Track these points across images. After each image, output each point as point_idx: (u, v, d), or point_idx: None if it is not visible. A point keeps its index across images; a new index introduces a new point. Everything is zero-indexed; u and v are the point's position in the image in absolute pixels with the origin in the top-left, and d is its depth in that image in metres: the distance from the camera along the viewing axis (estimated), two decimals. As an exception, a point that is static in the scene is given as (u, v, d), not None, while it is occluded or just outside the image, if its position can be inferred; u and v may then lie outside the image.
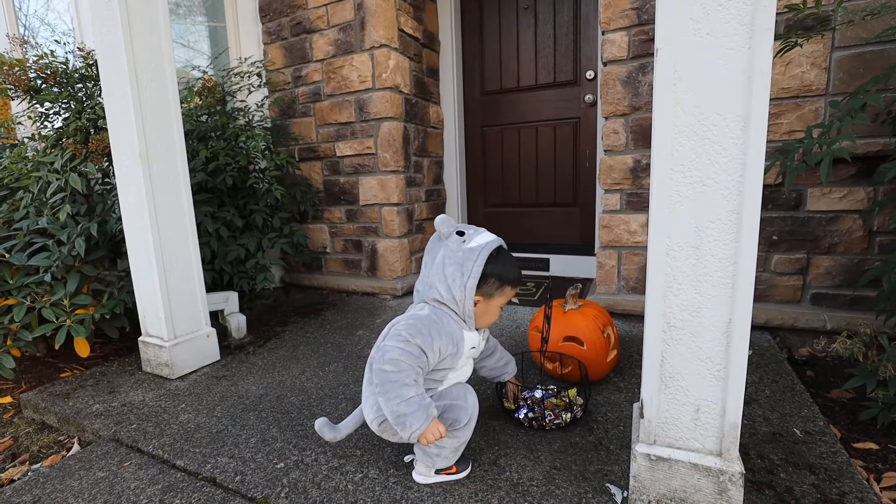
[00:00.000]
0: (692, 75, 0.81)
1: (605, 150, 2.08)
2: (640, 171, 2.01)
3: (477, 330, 1.13)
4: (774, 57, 1.59)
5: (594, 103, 2.67)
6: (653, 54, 0.84)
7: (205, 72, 2.63)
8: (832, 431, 1.24)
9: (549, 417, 1.27)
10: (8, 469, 1.38)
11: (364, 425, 1.15)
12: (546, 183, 2.95)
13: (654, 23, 1.83)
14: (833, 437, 1.20)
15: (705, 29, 0.79)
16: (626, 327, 2.01)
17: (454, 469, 1.11)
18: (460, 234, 1.07)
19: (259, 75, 2.67)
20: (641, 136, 1.99)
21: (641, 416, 0.96)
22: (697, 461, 0.90)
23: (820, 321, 1.76)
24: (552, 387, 1.39)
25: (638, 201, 2.03)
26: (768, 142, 1.77)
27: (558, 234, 2.95)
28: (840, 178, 1.73)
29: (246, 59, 2.73)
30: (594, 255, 2.58)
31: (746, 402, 1.37)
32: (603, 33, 2.00)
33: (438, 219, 1.08)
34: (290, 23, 2.72)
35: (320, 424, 1.13)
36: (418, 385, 1.00)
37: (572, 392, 1.36)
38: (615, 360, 1.56)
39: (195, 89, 2.43)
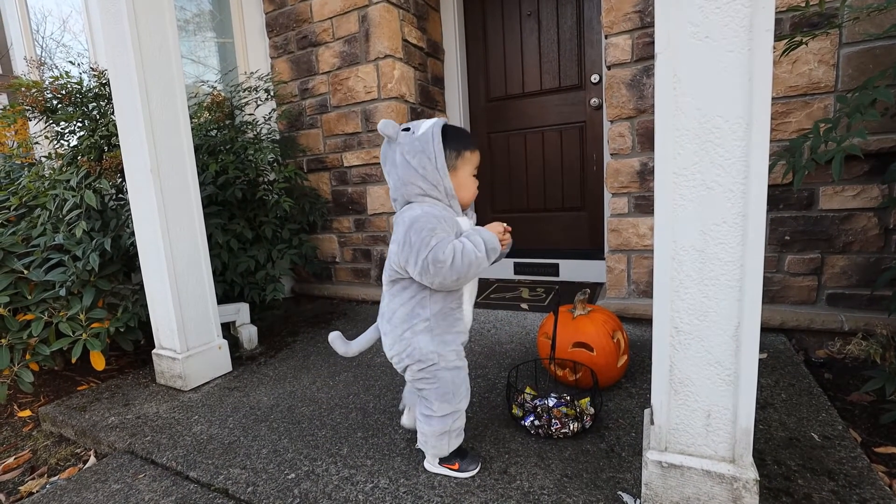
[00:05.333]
0: (692, 79, 0.80)
1: (612, 154, 2.07)
2: (648, 174, 1.99)
3: (465, 214, 1.16)
4: (781, 55, 1.57)
5: (600, 107, 2.67)
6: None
7: (214, 87, 2.68)
8: (852, 436, 1.21)
9: (555, 426, 1.25)
10: (27, 482, 1.40)
11: (375, 349, 1.21)
12: (554, 188, 2.94)
13: (656, 25, 1.83)
14: (853, 441, 1.17)
15: (704, 32, 0.78)
16: (638, 332, 1.99)
17: (456, 466, 1.13)
18: (406, 129, 1.09)
19: (267, 90, 2.71)
20: (648, 139, 1.97)
21: (652, 422, 0.94)
22: (710, 468, 0.89)
23: (837, 322, 1.72)
24: (566, 395, 1.37)
25: (646, 204, 2.01)
26: (778, 141, 1.75)
27: (567, 239, 2.94)
28: (853, 176, 1.69)
29: (253, 73, 2.78)
30: (603, 259, 2.56)
31: (762, 407, 1.34)
32: (606, 37, 2.00)
33: (381, 124, 1.07)
34: (296, 37, 2.77)
35: (333, 337, 1.23)
36: (454, 239, 1.04)
37: (584, 401, 1.34)
38: (626, 366, 1.54)
39: (204, 104, 2.47)
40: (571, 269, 2.83)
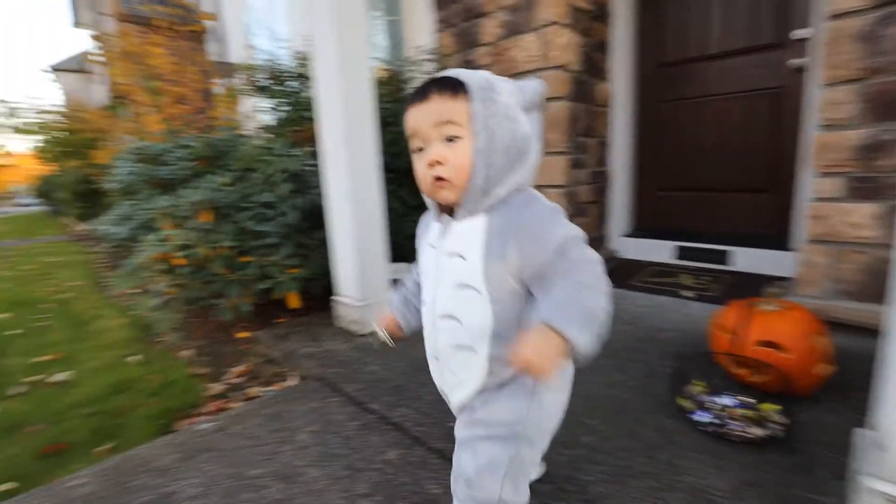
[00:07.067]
0: None
1: (824, 125, 1.73)
2: (875, 151, 1.63)
3: (446, 214, 0.81)
4: None
5: (802, 68, 2.23)
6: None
7: (385, 62, 2.90)
8: None
9: (735, 428, 1.14)
10: (253, 387, 1.78)
11: None
12: (730, 164, 2.58)
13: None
14: None
15: None
16: (841, 340, 1.67)
17: None
18: None
19: (432, 59, 2.84)
20: (882, 106, 1.60)
21: (880, 447, 0.81)
22: (964, 513, 0.73)
23: None
24: (748, 399, 1.23)
25: (868, 188, 1.65)
26: None
27: (743, 223, 2.58)
28: None
29: (419, 47, 2.93)
30: (790, 249, 2.22)
31: None
32: (833, -19, 1.64)
33: None
34: (460, 9, 2.82)
35: None
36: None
37: (767, 406, 1.19)
38: (826, 376, 1.33)
39: (380, 79, 2.70)
40: (746, 259, 2.48)
